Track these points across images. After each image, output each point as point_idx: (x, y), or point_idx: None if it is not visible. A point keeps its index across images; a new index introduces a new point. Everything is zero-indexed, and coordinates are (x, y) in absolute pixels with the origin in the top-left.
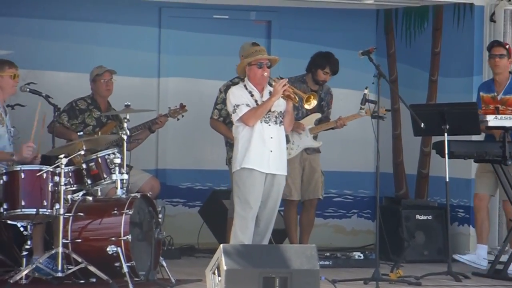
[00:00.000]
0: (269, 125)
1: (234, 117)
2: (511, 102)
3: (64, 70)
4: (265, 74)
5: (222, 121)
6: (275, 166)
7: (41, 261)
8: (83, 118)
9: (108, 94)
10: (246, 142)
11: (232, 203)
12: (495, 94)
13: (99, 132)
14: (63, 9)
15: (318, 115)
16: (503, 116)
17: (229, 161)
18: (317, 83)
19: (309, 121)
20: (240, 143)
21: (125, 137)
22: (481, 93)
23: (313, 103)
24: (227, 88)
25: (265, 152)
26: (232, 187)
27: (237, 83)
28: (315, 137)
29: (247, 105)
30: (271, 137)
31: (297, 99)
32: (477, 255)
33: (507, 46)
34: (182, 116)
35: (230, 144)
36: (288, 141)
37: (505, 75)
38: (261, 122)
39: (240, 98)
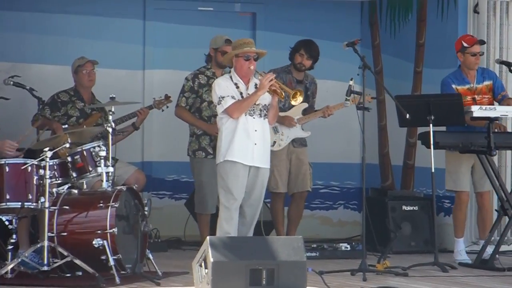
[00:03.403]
0: (254, 118)
1: (219, 109)
2: (485, 90)
3: (49, 63)
4: (251, 67)
5: (188, 109)
6: (259, 159)
7: (26, 255)
8: (65, 110)
9: (90, 84)
10: (230, 134)
11: (198, 197)
12: (472, 85)
13: (84, 124)
14: (48, 2)
15: (304, 105)
16: (488, 107)
17: (192, 153)
18: (297, 69)
19: (296, 111)
20: (223, 135)
21: (110, 130)
22: (453, 86)
23: (299, 99)
24: (194, 76)
25: (249, 145)
26: (194, 180)
27: (203, 72)
28: (303, 127)
29: (233, 97)
30: (256, 130)
31: (283, 94)
32: (460, 250)
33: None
34: (167, 107)
35: (195, 136)
36: (277, 131)
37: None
38: (245, 115)
39: (225, 89)
